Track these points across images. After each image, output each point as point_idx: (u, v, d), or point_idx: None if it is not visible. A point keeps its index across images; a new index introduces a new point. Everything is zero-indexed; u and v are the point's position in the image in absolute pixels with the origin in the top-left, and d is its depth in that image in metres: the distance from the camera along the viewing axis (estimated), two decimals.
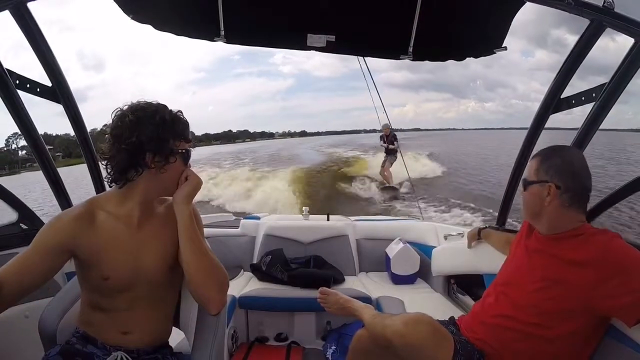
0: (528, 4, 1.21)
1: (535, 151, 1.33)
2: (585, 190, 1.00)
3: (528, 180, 1.06)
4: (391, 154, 8.27)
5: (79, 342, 0.89)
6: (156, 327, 0.94)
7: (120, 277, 0.85)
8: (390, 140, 8.12)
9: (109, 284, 0.85)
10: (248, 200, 8.48)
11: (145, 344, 0.92)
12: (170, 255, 0.88)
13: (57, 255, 0.82)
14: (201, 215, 0.99)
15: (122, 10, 1.22)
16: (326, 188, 9.59)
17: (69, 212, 0.86)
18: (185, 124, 0.89)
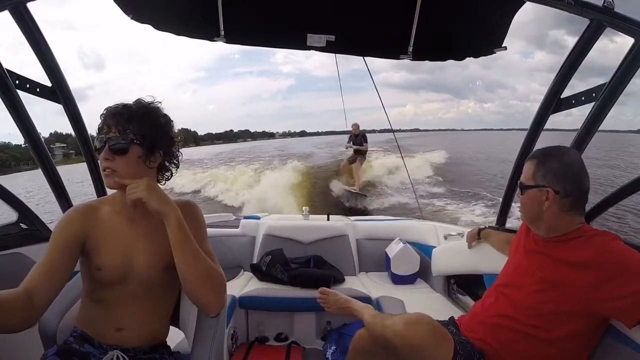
0: (528, 3, 1.20)
1: None
2: (584, 192, 0.98)
3: (525, 184, 1.03)
4: (360, 154, 7.76)
5: (76, 342, 0.89)
6: (152, 325, 0.94)
7: (112, 269, 0.86)
8: (359, 140, 7.65)
9: (102, 274, 0.86)
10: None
11: (141, 342, 0.92)
12: (166, 256, 0.87)
13: (74, 248, 0.85)
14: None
15: (122, 10, 1.22)
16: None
17: (77, 206, 0.92)
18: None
